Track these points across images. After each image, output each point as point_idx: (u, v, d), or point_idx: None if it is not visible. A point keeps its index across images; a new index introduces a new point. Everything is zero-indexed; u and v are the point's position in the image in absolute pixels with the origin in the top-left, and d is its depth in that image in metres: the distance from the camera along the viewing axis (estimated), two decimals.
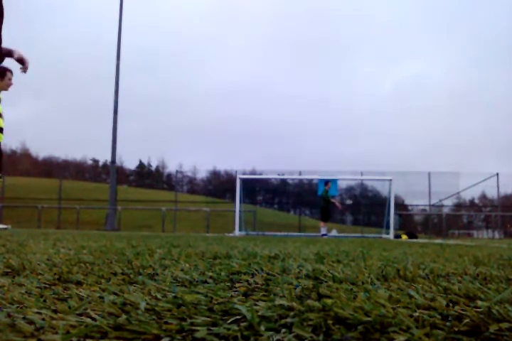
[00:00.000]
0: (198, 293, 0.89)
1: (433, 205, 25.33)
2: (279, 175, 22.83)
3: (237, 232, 15.06)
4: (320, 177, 16.57)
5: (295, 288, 0.96)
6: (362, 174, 23.25)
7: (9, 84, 4.76)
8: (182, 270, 1.34)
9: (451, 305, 0.77)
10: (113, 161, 20.01)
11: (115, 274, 1.23)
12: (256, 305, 0.77)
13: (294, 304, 0.76)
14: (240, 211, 15.50)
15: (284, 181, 36.99)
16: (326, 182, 15.78)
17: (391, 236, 14.51)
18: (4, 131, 4.87)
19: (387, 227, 15.53)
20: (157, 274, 1.23)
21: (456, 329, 0.63)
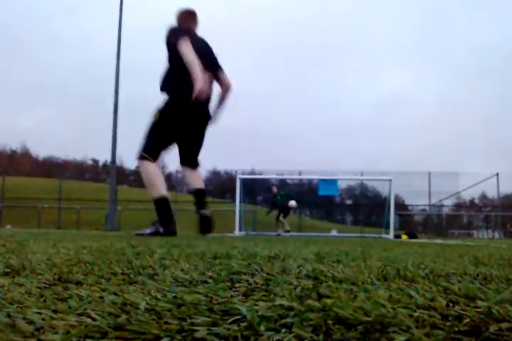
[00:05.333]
0: (198, 293, 0.89)
1: (433, 205, 25.33)
2: (278, 175, 22.83)
3: (237, 232, 15.05)
4: (320, 177, 16.56)
5: (295, 288, 0.96)
6: (362, 174, 23.25)
7: None
8: (182, 270, 1.34)
9: (451, 305, 0.77)
10: (113, 161, 19.99)
11: (115, 274, 1.23)
12: (256, 305, 0.77)
13: (294, 304, 0.76)
14: (239, 211, 15.50)
15: (283, 181, 37.05)
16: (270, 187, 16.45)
17: (391, 236, 14.51)
18: None
19: (387, 227, 15.55)
20: (157, 274, 1.23)
21: (456, 329, 0.63)
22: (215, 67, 5.20)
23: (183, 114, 4.88)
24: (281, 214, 16.15)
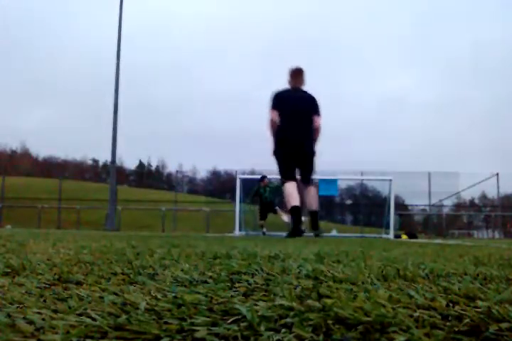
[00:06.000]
0: (198, 293, 0.89)
1: (433, 205, 25.33)
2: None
3: (237, 232, 15.04)
4: (320, 177, 16.54)
5: (295, 288, 0.96)
6: (362, 174, 23.21)
7: None
8: (182, 270, 1.34)
9: (451, 305, 0.77)
10: (113, 161, 19.99)
11: (115, 274, 1.23)
12: (256, 305, 0.77)
13: (294, 304, 0.76)
14: (239, 211, 15.46)
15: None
16: (262, 178, 15.41)
17: (391, 236, 14.50)
18: None
19: (387, 227, 15.53)
20: (157, 274, 1.23)
21: (456, 329, 0.63)
22: (310, 112, 7.12)
23: (286, 148, 6.90)
24: (262, 212, 15.38)
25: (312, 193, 7.01)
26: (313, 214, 7.06)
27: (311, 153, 7.11)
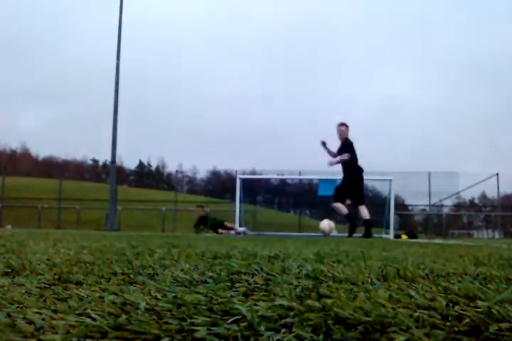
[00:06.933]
0: (198, 293, 0.89)
1: (433, 205, 25.31)
2: (278, 175, 22.82)
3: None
4: (320, 177, 16.54)
5: (295, 288, 0.96)
6: None
7: None
8: (182, 270, 1.34)
9: (451, 305, 0.77)
10: (113, 161, 19.96)
11: (115, 274, 1.23)
12: (256, 305, 0.77)
13: (294, 304, 0.76)
14: (239, 211, 15.45)
15: (284, 181, 37.03)
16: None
17: (391, 236, 14.50)
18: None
19: (387, 227, 15.54)
20: (157, 274, 1.23)
21: (456, 329, 0.63)
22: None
23: (353, 182, 10.06)
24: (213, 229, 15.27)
25: (363, 209, 9.98)
26: (367, 222, 9.97)
27: (363, 184, 10.53)
